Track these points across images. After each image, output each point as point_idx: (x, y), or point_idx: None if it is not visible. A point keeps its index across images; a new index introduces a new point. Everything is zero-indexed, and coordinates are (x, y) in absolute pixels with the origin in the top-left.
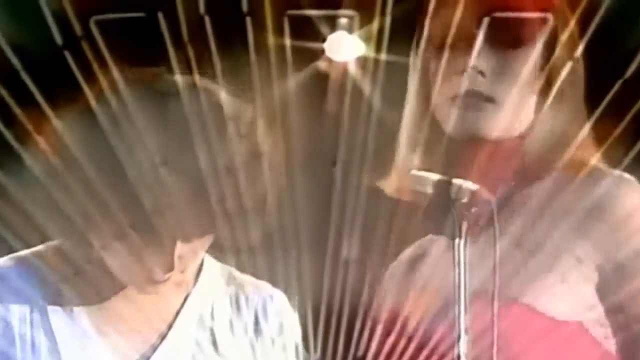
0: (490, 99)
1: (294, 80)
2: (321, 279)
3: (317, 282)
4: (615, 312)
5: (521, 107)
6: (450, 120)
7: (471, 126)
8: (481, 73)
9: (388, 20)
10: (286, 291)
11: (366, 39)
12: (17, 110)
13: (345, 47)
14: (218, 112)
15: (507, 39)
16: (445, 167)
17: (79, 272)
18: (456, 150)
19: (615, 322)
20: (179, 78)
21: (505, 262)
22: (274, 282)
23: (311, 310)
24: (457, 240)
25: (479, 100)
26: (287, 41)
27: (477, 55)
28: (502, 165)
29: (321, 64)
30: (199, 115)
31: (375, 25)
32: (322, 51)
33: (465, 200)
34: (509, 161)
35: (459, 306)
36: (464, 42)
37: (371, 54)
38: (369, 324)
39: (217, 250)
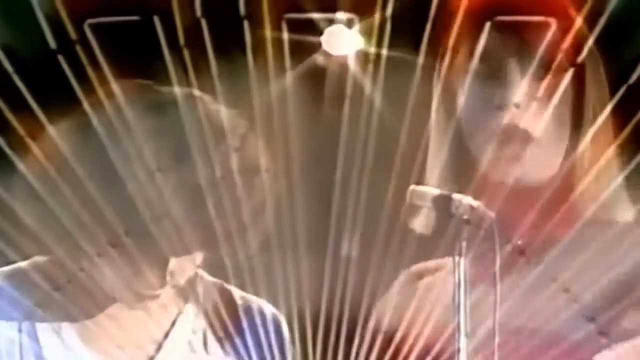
0: (527, 135)
1: (291, 80)
2: (320, 288)
3: (317, 291)
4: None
5: (558, 141)
6: (488, 157)
7: (510, 164)
8: (516, 105)
9: (388, 14)
10: (284, 300)
11: (365, 33)
12: (9, 115)
13: (343, 41)
14: (210, 124)
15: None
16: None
17: (69, 286)
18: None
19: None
20: (169, 89)
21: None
22: (272, 291)
23: (310, 319)
24: (457, 258)
25: (517, 136)
26: (285, 41)
27: (511, 87)
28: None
29: (318, 59)
30: (191, 127)
31: (374, 19)
32: (319, 45)
33: (465, 216)
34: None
35: (459, 326)
36: (496, 75)
37: (370, 48)
38: (369, 334)
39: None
